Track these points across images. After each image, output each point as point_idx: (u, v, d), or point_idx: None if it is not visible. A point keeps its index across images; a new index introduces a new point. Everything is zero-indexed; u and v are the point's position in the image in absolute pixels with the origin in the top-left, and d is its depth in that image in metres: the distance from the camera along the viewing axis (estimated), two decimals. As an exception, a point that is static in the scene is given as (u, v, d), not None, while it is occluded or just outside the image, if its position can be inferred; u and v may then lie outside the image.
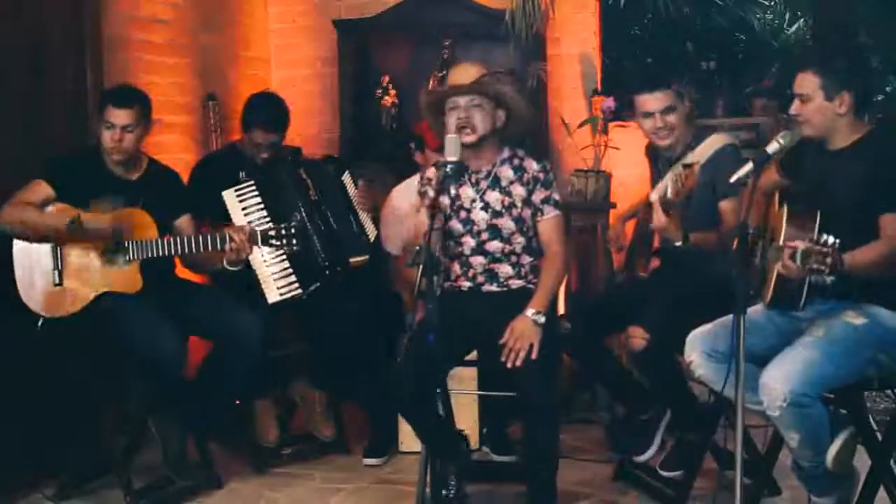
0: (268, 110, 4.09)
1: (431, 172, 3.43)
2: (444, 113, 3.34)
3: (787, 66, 6.70)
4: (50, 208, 3.51)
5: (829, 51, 3.18)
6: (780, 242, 2.82)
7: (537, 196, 3.34)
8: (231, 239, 3.52)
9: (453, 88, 3.29)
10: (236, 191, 3.97)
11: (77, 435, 3.81)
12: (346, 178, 4.19)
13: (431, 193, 3.34)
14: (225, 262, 3.60)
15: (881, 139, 2.92)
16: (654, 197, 3.38)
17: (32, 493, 3.67)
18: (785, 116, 3.97)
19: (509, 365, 3.09)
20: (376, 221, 4.19)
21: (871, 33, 6.21)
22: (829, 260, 2.53)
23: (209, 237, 3.55)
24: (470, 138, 3.26)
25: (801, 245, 2.57)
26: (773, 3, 7.30)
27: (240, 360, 3.70)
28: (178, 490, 3.70)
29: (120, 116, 3.55)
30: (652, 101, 3.57)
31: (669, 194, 3.26)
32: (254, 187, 3.98)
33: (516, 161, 3.38)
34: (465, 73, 3.33)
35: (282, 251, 3.84)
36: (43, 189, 3.51)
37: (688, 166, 3.26)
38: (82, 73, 4.15)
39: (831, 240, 2.54)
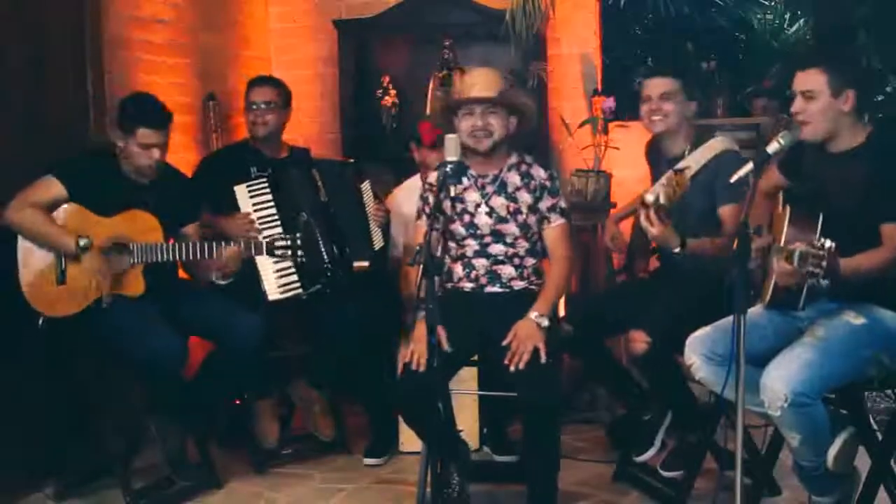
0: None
1: (433, 177, 3.44)
2: (456, 115, 3.33)
3: (788, 66, 6.69)
4: (64, 207, 3.50)
5: (834, 49, 3.18)
6: (781, 244, 2.82)
7: (544, 204, 3.35)
8: (218, 254, 3.55)
9: (477, 99, 3.27)
10: (248, 186, 3.99)
11: (77, 435, 3.81)
12: (366, 186, 4.19)
13: (432, 200, 3.36)
14: (214, 276, 3.63)
15: (881, 145, 2.90)
16: (650, 198, 3.37)
17: (32, 494, 3.67)
18: (785, 116, 3.95)
19: (512, 368, 3.09)
20: (386, 233, 4.21)
21: (871, 33, 6.20)
22: (824, 263, 2.53)
23: (213, 246, 3.56)
24: (486, 144, 3.27)
25: (798, 246, 2.57)
26: (773, 3, 7.29)
27: (239, 360, 3.70)
28: (178, 490, 3.71)
29: (153, 135, 3.54)
30: (652, 85, 3.59)
31: (662, 200, 3.26)
32: (266, 184, 4.00)
33: (524, 167, 3.39)
34: (486, 82, 3.31)
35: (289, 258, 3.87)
36: (55, 188, 3.49)
37: (679, 171, 3.26)
38: (82, 73, 4.15)
39: (828, 243, 2.54)
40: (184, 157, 4.62)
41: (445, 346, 3.10)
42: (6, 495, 3.62)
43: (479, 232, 3.36)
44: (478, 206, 3.36)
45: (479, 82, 3.32)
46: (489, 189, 3.37)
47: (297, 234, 3.62)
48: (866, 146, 2.91)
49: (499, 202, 3.35)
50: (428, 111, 4.96)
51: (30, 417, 3.68)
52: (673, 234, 3.30)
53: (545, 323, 3.16)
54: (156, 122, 3.57)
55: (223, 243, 3.60)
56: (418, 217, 3.50)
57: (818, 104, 2.90)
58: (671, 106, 3.55)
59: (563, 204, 3.40)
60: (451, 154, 3.07)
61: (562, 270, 3.35)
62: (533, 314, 3.18)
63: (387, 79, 5.31)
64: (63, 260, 3.50)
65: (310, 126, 5.51)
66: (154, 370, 3.47)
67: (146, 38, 4.57)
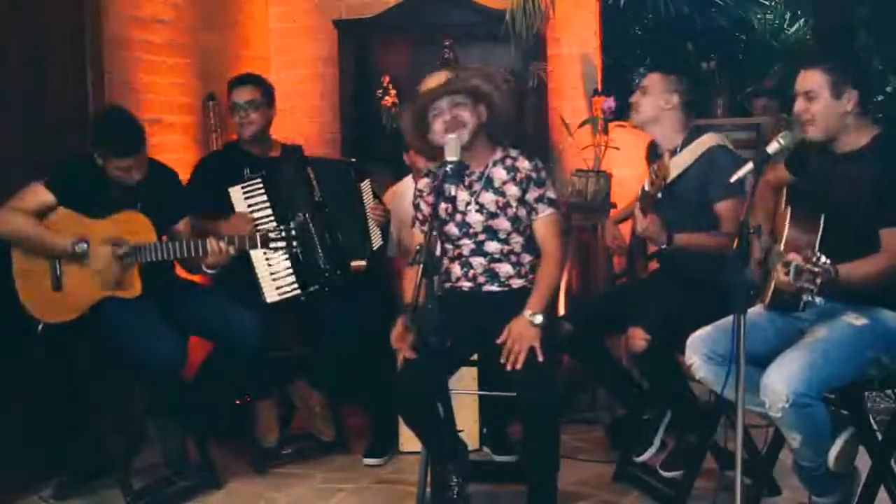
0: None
1: (423, 183, 3.45)
2: (426, 126, 3.33)
3: (788, 66, 6.68)
4: (55, 213, 3.47)
5: (835, 48, 3.17)
6: (782, 245, 2.81)
7: (531, 195, 3.34)
8: (211, 248, 3.53)
9: (433, 91, 3.29)
10: (243, 188, 3.99)
11: (77, 435, 3.81)
12: (365, 185, 4.20)
13: (424, 207, 3.36)
14: (203, 266, 3.62)
15: (888, 147, 2.89)
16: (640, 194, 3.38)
17: (31, 494, 3.67)
18: (785, 116, 3.94)
19: (508, 367, 3.09)
20: (385, 232, 4.21)
21: (871, 33, 6.20)
22: (818, 280, 2.52)
23: (205, 242, 3.55)
24: (463, 134, 3.26)
25: (795, 259, 2.56)
26: (773, 3, 7.29)
27: (239, 360, 3.71)
28: (178, 490, 3.70)
29: (127, 161, 3.49)
30: (644, 78, 3.70)
31: (647, 187, 3.27)
32: (260, 185, 4.00)
33: (509, 161, 3.38)
34: (436, 78, 3.34)
35: (284, 252, 3.86)
36: (41, 194, 3.46)
37: (659, 156, 3.27)
38: (82, 73, 4.15)
39: (823, 259, 2.53)
40: (184, 157, 4.63)
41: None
42: (5, 495, 3.61)
43: (472, 230, 3.36)
44: (468, 203, 3.36)
45: (431, 81, 3.34)
46: (476, 186, 3.37)
47: (291, 225, 3.60)
48: (872, 148, 2.90)
49: (488, 198, 3.35)
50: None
51: (30, 418, 3.68)
52: (660, 228, 3.30)
53: (538, 321, 3.15)
54: (125, 151, 3.49)
55: (217, 240, 3.56)
56: (413, 224, 3.50)
57: (819, 105, 2.90)
58: (645, 99, 3.60)
59: (550, 194, 3.38)
60: (452, 154, 3.07)
61: (553, 266, 3.33)
62: (526, 312, 3.16)
63: (387, 79, 5.30)
64: (58, 266, 3.48)
65: (309, 126, 5.52)
66: (154, 370, 3.46)
67: (146, 38, 4.57)
